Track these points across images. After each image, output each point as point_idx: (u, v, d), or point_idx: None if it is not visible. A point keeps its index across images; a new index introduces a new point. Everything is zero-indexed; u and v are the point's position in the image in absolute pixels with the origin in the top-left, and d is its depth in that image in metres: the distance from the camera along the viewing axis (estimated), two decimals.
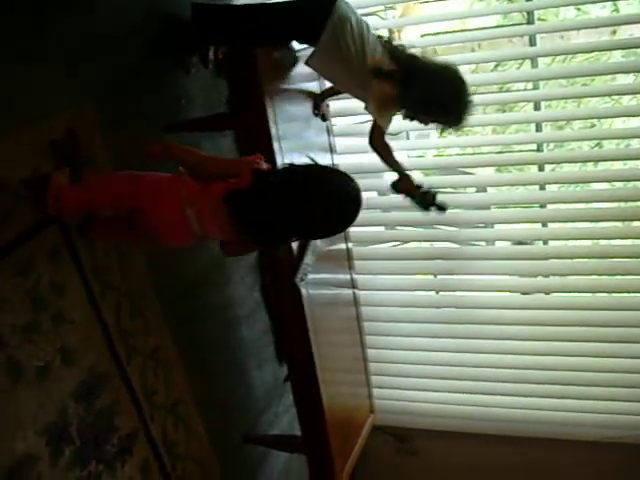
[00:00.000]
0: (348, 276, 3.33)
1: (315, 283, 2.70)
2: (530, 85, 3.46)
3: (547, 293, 3.65)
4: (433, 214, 2.60)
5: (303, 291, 2.58)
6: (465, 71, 2.60)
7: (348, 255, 3.34)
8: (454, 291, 3.78)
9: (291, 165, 1.84)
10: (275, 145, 2.42)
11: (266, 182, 1.78)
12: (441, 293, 3.86)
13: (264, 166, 1.84)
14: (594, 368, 3.48)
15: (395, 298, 3.79)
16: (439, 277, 3.89)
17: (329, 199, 1.76)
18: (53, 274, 1.98)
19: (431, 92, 2.41)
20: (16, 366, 1.85)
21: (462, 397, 3.84)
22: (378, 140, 2.51)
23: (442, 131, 2.60)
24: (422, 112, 2.53)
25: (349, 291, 3.35)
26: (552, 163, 3.55)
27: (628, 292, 3.36)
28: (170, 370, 2.52)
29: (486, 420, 3.84)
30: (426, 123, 2.58)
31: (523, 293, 3.66)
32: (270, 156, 2.38)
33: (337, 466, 2.85)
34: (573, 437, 3.65)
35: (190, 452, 2.66)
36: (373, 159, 2.62)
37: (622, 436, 3.51)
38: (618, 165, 3.36)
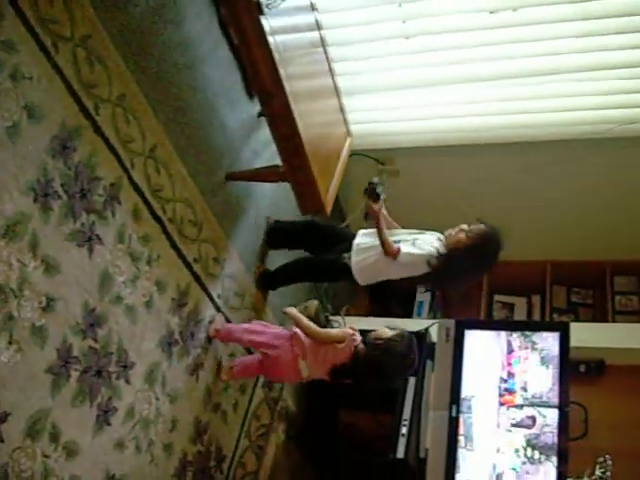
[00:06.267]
0: (312, 19, 3.22)
1: (276, 14, 2.59)
2: None
3: (514, 10, 3.52)
4: None
5: (264, 22, 2.49)
6: None
7: None
8: (420, 18, 3.62)
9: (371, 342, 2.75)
10: None
11: (359, 356, 2.73)
12: (408, 21, 3.69)
13: (358, 338, 2.76)
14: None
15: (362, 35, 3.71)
16: (404, 5, 3.69)
17: (401, 362, 2.74)
18: None
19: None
20: None
21: (436, 110, 3.89)
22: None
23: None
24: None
25: (311, 17, 3.23)
26: None
27: None
28: (141, 117, 2.49)
29: (464, 131, 3.91)
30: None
31: (490, 12, 3.53)
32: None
33: (321, 186, 2.93)
34: (559, 137, 3.77)
35: (176, 194, 2.72)
36: None
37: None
38: None
